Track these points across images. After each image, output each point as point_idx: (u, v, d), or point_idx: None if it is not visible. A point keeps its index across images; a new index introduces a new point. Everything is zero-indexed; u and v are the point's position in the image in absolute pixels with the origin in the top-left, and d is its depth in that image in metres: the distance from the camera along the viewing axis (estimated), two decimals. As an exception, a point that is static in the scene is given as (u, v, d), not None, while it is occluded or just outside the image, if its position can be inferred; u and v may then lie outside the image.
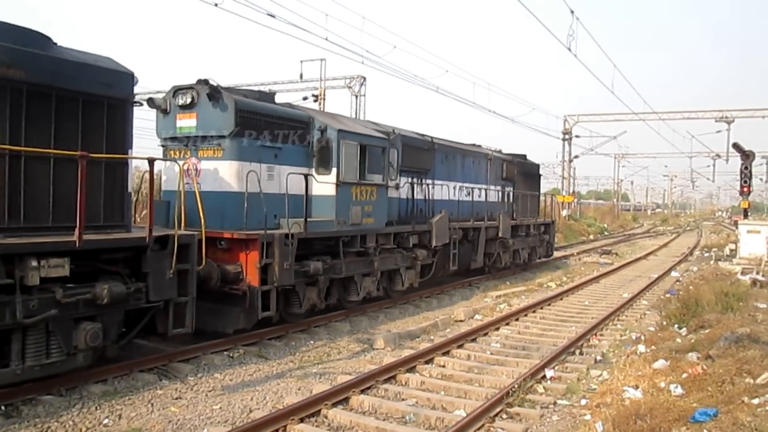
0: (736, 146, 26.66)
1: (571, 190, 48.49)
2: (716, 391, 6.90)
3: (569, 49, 17.74)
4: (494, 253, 18.52)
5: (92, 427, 6.54)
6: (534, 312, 13.61)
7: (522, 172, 21.16)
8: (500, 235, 18.40)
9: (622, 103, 31.90)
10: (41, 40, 7.20)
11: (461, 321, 12.68)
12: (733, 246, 25.44)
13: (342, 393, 7.48)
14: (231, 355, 9.34)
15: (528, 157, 22.34)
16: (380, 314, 12.84)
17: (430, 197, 15.29)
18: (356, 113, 31.69)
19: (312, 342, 10.50)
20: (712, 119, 39.31)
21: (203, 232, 8.47)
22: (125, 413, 6.92)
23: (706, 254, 29.15)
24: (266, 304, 9.80)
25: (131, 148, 7.97)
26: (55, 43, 7.41)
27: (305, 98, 25.82)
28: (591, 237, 42.30)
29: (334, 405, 7.22)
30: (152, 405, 7.24)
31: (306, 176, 10.68)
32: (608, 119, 44.34)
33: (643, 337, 10.96)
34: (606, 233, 48.34)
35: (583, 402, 7.60)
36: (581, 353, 10.21)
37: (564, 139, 44.72)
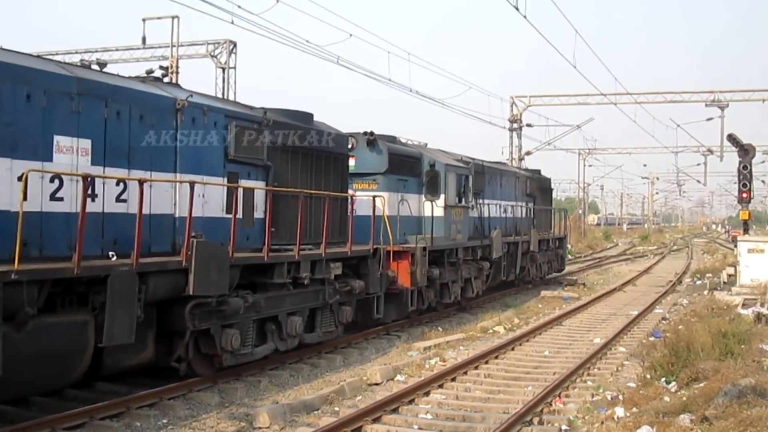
0: (732, 138, 28.31)
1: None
2: (715, 464, 7.29)
3: (517, 9, 18.43)
4: (525, 266, 26.25)
5: None
6: (477, 368, 13.94)
7: (539, 188, 29.91)
8: (531, 249, 26.33)
9: (586, 80, 33.19)
10: (311, 117, 15.13)
11: (377, 384, 12.81)
12: (731, 270, 26.90)
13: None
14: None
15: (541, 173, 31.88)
16: (263, 379, 12.76)
17: (485, 215, 23.43)
18: (223, 91, 31.30)
19: (164, 422, 10.29)
20: (702, 103, 41.60)
21: (391, 246, 16.86)
22: None
23: (699, 282, 30.82)
24: (411, 301, 17.93)
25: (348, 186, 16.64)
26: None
27: (150, 72, 25.11)
28: (550, 262, 43.68)
29: None
30: None
31: (432, 202, 18.93)
32: (569, 102, 46.04)
33: (621, 397, 11.44)
34: (570, 257, 50.10)
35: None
36: (541, 422, 10.53)
37: (512, 129, 45.61)
